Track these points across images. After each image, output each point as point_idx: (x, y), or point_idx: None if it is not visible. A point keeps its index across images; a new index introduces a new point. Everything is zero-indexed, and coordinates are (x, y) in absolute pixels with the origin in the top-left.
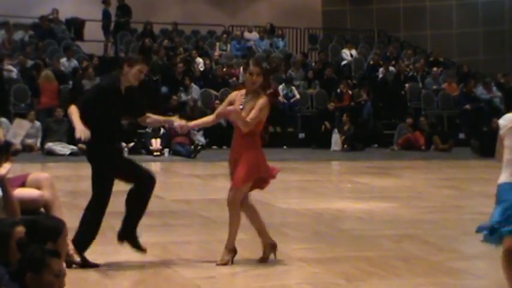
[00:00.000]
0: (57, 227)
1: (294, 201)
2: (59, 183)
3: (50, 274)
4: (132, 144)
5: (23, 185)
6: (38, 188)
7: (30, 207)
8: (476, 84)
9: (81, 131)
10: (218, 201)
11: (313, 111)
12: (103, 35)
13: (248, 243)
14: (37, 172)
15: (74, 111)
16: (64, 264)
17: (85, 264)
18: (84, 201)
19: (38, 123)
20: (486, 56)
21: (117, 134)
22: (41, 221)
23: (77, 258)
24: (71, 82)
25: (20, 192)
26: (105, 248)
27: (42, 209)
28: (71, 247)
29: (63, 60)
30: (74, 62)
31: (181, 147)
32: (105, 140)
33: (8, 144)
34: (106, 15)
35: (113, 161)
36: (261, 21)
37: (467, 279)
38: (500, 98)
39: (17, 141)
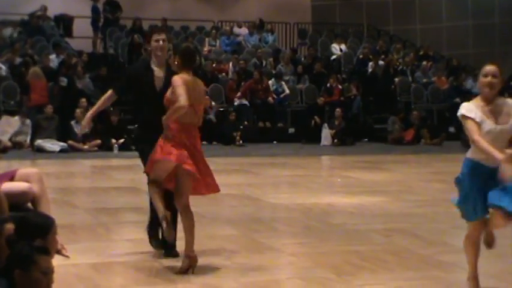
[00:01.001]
0: (46, 224)
1: (284, 196)
2: (48, 180)
3: (38, 271)
4: (122, 140)
5: (11, 180)
6: (27, 182)
7: (18, 201)
8: (467, 77)
9: None
10: (207, 196)
11: (303, 106)
12: (92, 32)
13: (238, 238)
14: (26, 167)
15: None
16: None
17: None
18: (74, 198)
19: (28, 121)
20: (476, 49)
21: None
22: (30, 217)
23: (66, 253)
24: (61, 79)
25: (8, 185)
26: (96, 244)
27: (29, 205)
28: (60, 243)
29: (52, 56)
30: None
31: None
32: (140, 124)
33: None
34: (95, 11)
35: (137, 144)
36: (250, 17)
37: (457, 272)
38: None
39: (5, 139)
